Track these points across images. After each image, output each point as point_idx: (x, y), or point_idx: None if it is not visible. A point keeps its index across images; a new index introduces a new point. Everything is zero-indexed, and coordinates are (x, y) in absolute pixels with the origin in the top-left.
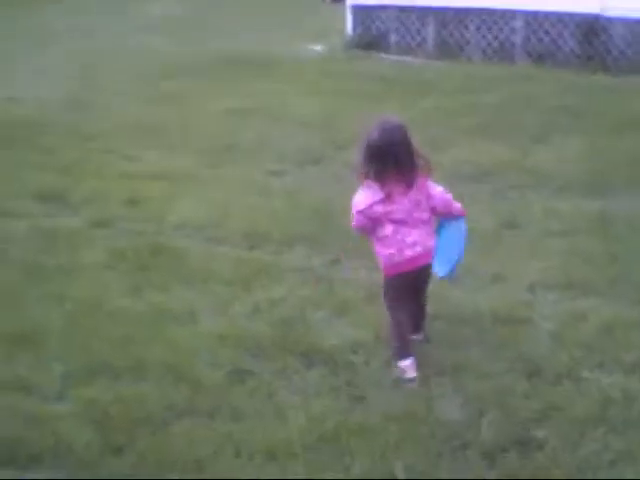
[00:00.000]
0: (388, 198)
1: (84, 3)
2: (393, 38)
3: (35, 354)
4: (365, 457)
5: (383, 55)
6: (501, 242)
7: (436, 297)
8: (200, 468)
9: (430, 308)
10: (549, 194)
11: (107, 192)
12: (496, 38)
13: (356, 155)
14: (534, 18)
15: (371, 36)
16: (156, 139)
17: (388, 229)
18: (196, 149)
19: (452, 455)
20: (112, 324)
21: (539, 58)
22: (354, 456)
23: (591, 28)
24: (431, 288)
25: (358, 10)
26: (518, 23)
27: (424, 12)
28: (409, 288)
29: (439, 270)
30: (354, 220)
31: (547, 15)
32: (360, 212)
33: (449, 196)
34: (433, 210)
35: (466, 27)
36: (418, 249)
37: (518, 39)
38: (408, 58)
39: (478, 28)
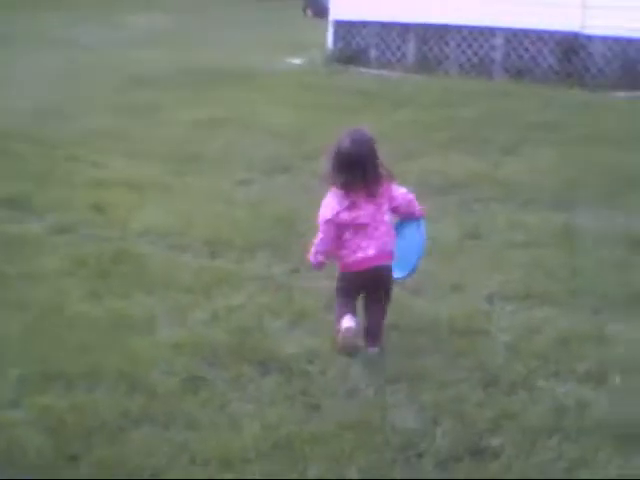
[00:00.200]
0: (353, 205)
1: (76, 13)
2: (373, 53)
3: None
4: (319, 463)
5: (362, 69)
6: (463, 252)
7: (395, 306)
8: (155, 476)
9: (390, 317)
10: (516, 206)
11: (72, 199)
12: (476, 54)
13: (324, 163)
14: (514, 35)
15: (351, 50)
16: (123, 147)
17: (347, 234)
18: (163, 157)
19: (406, 463)
20: (70, 331)
21: (518, 74)
22: (308, 462)
23: (570, 46)
24: (393, 297)
25: (340, 25)
26: (498, 40)
27: (405, 28)
28: (359, 287)
29: (397, 272)
30: (312, 256)
31: (527, 33)
32: (328, 221)
33: (411, 196)
34: (396, 210)
35: (446, 43)
36: (370, 252)
37: (498, 55)
38: (387, 72)
39: (458, 44)
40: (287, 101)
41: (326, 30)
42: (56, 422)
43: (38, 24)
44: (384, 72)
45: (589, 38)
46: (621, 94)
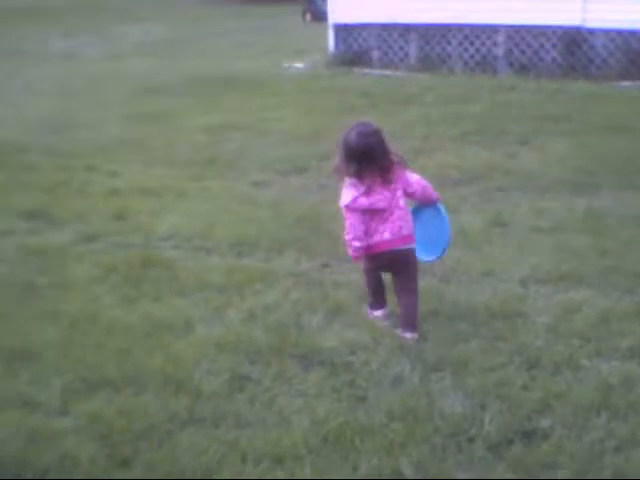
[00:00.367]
0: (370, 190)
1: (71, 25)
2: (376, 54)
3: (34, 370)
4: (371, 456)
5: (365, 70)
6: (490, 240)
7: (431, 294)
8: (207, 476)
9: (426, 305)
10: (536, 194)
11: (93, 208)
12: (478, 51)
13: (335, 156)
14: (516, 32)
15: (353, 53)
16: (139, 155)
17: (365, 218)
18: (180, 163)
19: (458, 449)
20: (108, 337)
21: (522, 69)
22: (359, 456)
23: (573, 40)
24: (425, 285)
25: (340, 28)
26: (500, 37)
27: (406, 29)
28: (379, 268)
29: (425, 255)
30: (350, 249)
31: (529, 29)
32: (347, 207)
33: (426, 182)
34: (411, 196)
35: (449, 42)
36: (386, 235)
37: (500, 52)
38: (390, 72)
39: (460, 43)
40: (295, 105)
41: (326, 34)
42: (105, 428)
43: (38, 37)
44: (387, 72)
45: (591, 31)
46: (627, 83)
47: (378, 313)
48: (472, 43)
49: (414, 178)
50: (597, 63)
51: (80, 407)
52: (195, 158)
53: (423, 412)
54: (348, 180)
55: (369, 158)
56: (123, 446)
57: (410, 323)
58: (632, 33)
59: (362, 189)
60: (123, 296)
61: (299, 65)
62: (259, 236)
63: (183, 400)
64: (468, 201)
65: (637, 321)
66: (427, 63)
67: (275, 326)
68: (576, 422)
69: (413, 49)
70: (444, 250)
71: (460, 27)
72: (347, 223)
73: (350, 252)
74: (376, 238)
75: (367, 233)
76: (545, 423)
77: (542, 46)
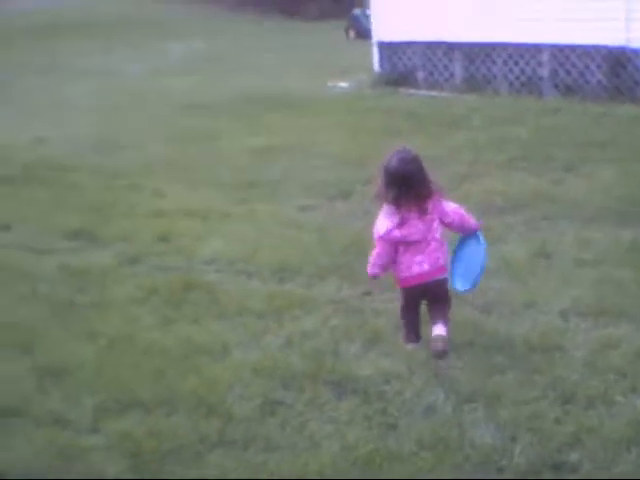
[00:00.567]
0: (404, 223)
1: (111, 41)
2: (421, 74)
3: (67, 388)
4: None
5: (411, 91)
6: (534, 271)
7: (470, 324)
8: None
9: (463, 336)
10: (582, 224)
11: (137, 229)
12: (523, 72)
13: (377, 182)
14: (560, 51)
15: (398, 72)
16: (183, 176)
17: (400, 249)
18: (224, 185)
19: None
20: (144, 358)
21: (567, 91)
22: None
23: (617, 60)
24: (465, 316)
25: (384, 46)
26: (544, 57)
27: (450, 47)
28: (418, 299)
29: (460, 285)
30: (369, 268)
31: (573, 48)
32: (381, 238)
33: (463, 211)
34: (449, 225)
35: (493, 62)
36: (425, 267)
37: (545, 72)
38: (436, 93)
39: (505, 62)
40: (340, 126)
41: (370, 52)
42: (135, 447)
43: (79, 53)
44: (433, 93)
45: (635, 52)
46: None
47: (409, 347)
48: (517, 63)
49: (451, 207)
50: None
51: (111, 426)
52: (239, 180)
53: (453, 442)
54: (386, 207)
55: (408, 184)
56: (151, 465)
57: (442, 322)
58: None
59: (396, 221)
60: (162, 318)
61: (344, 84)
62: (302, 262)
63: (214, 423)
64: (514, 230)
65: None
66: (472, 83)
67: (311, 353)
68: (606, 456)
69: (458, 69)
70: (475, 283)
71: (504, 46)
72: (374, 251)
73: (368, 270)
74: (415, 270)
75: (404, 264)
76: (574, 457)
77: (587, 67)
